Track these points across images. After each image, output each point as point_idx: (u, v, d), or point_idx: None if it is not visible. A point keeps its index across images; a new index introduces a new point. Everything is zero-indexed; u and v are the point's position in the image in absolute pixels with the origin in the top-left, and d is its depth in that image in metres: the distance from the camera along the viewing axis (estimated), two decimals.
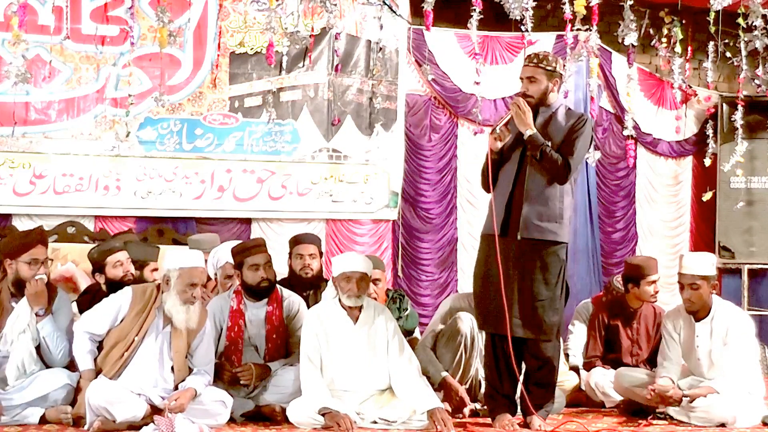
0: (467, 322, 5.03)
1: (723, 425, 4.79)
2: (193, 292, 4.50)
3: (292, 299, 5.15)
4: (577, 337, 5.87)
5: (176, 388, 4.53)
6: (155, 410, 4.39)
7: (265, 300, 5.05)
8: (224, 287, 5.48)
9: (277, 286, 5.16)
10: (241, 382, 4.84)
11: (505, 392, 4.66)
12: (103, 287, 5.28)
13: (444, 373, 5.00)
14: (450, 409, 4.85)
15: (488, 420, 4.75)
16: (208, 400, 4.50)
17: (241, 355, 4.96)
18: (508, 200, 4.59)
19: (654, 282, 5.56)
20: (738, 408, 4.79)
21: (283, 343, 5.04)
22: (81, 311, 5.07)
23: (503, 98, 8.36)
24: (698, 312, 5.01)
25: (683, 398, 4.83)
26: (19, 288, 4.73)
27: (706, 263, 5.01)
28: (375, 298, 5.28)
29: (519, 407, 4.69)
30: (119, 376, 4.47)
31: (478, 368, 5.10)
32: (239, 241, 5.90)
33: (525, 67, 4.71)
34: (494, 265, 4.53)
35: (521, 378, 4.66)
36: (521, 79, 4.70)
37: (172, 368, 4.56)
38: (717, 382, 4.87)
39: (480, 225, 8.09)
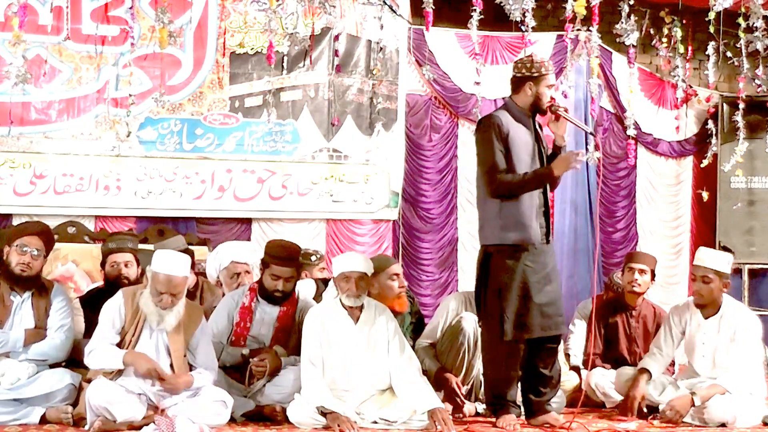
0: (470, 323, 5.02)
1: (723, 425, 4.79)
2: (161, 299, 4.46)
3: (308, 303, 5.14)
4: (578, 337, 5.88)
5: None
6: (155, 410, 4.39)
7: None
8: (230, 287, 5.46)
9: (296, 290, 5.13)
10: (256, 376, 4.82)
11: (512, 397, 4.69)
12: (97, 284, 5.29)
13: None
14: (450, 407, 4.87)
15: (488, 420, 4.78)
16: (208, 400, 4.50)
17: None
18: (543, 207, 4.69)
19: (634, 270, 5.56)
20: (739, 408, 4.79)
21: (289, 341, 5.00)
22: (85, 310, 5.05)
23: (503, 98, 8.35)
24: (707, 308, 5.02)
25: (694, 402, 4.82)
26: (10, 277, 4.69)
27: (722, 260, 5.05)
28: (400, 294, 5.24)
29: (522, 408, 4.72)
30: (119, 376, 4.47)
31: (479, 369, 5.10)
32: (235, 242, 5.90)
33: (551, 75, 4.76)
34: (534, 274, 4.59)
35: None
36: (549, 87, 4.72)
37: (171, 366, 4.56)
38: (724, 380, 4.86)
39: None
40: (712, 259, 5.03)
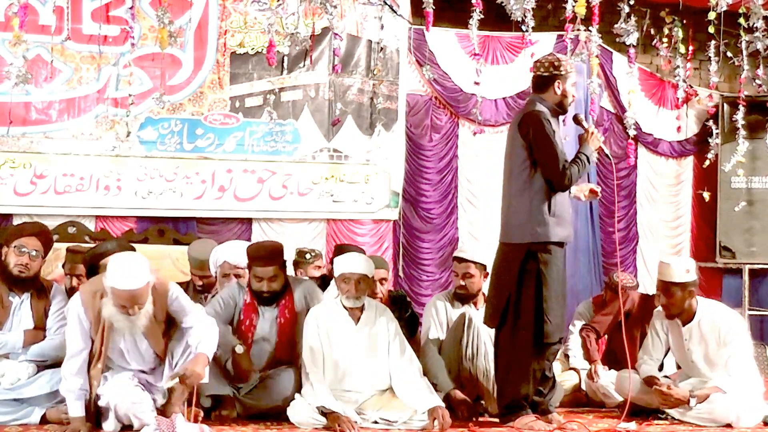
0: (477, 317, 5.06)
1: (727, 426, 4.77)
2: (129, 310, 4.19)
3: (307, 288, 5.10)
4: (577, 337, 5.87)
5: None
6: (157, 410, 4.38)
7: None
8: (222, 285, 5.46)
9: (288, 278, 5.07)
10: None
11: (527, 398, 4.67)
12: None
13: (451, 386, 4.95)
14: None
15: (489, 421, 4.81)
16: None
17: (250, 349, 4.91)
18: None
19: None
20: (741, 407, 4.78)
21: (297, 336, 4.91)
22: None
23: (504, 98, 8.37)
24: (681, 315, 4.99)
25: (690, 398, 4.81)
26: (9, 278, 4.66)
27: (680, 270, 4.91)
28: (381, 299, 5.27)
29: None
30: (110, 371, 4.40)
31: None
32: (235, 242, 5.88)
33: (575, 73, 4.77)
34: (562, 273, 4.64)
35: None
36: (573, 85, 4.72)
37: (157, 355, 4.41)
38: (721, 381, 4.84)
39: (480, 225, 8.04)
40: (669, 271, 4.90)
